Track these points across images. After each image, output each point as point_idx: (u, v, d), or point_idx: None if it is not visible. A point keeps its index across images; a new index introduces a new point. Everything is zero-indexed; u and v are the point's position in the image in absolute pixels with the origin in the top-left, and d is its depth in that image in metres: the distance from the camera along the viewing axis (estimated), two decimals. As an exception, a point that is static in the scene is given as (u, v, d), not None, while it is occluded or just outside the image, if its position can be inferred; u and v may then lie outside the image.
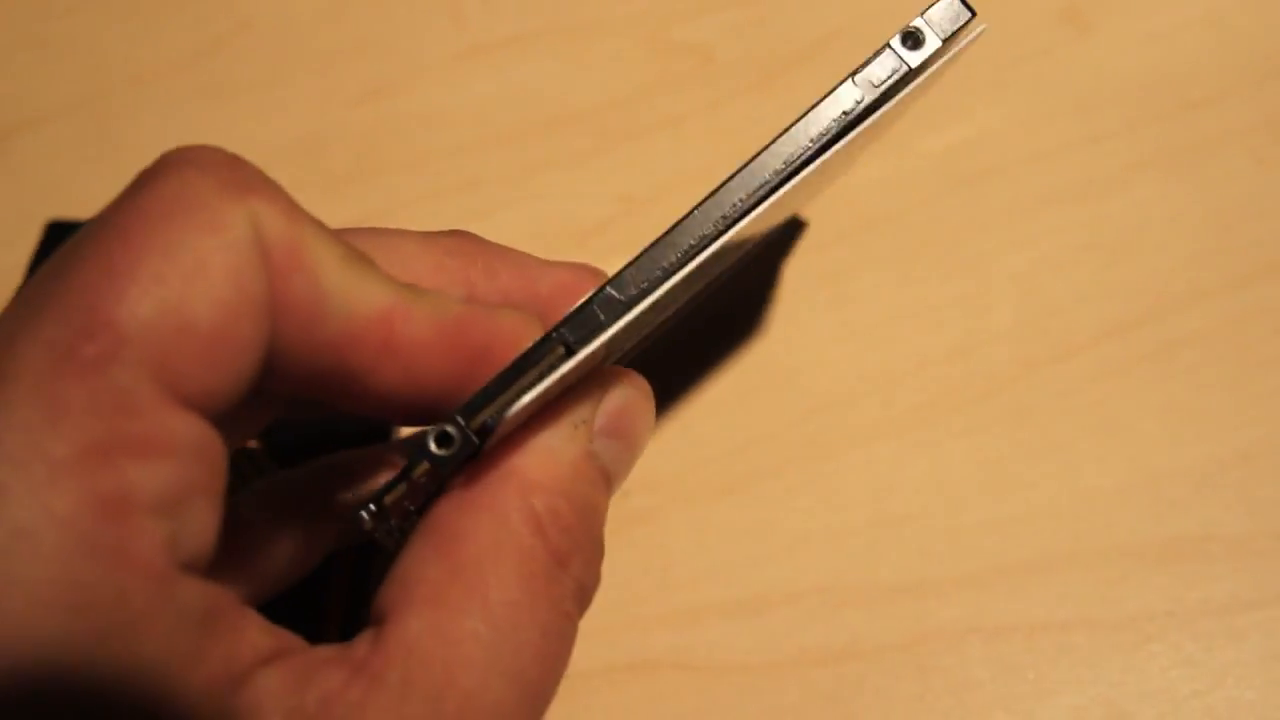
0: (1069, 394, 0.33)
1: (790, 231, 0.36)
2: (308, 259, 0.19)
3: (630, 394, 0.24)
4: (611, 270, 0.22)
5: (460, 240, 0.24)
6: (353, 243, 0.20)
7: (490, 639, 0.20)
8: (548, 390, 0.20)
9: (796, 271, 0.36)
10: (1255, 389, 0.33)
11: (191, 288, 0.17)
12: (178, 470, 0.17)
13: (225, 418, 0.19)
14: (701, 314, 0.35)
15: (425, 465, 0.20)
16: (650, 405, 0.25)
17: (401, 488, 0.21)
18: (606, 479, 0.24)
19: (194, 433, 0.18)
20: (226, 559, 0.21)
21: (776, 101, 0.38)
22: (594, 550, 0.23)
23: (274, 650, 0.19)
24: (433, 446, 0.20)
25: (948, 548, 0.31)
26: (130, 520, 0.17)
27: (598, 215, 0.37)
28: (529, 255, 0.25)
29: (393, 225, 0.38)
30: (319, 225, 0.20)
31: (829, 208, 0.36)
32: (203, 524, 0.18)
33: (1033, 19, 0.39)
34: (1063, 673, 0.30)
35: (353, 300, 0.20)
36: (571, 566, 0.22)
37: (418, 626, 0.20)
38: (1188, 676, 0.30)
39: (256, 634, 0.19)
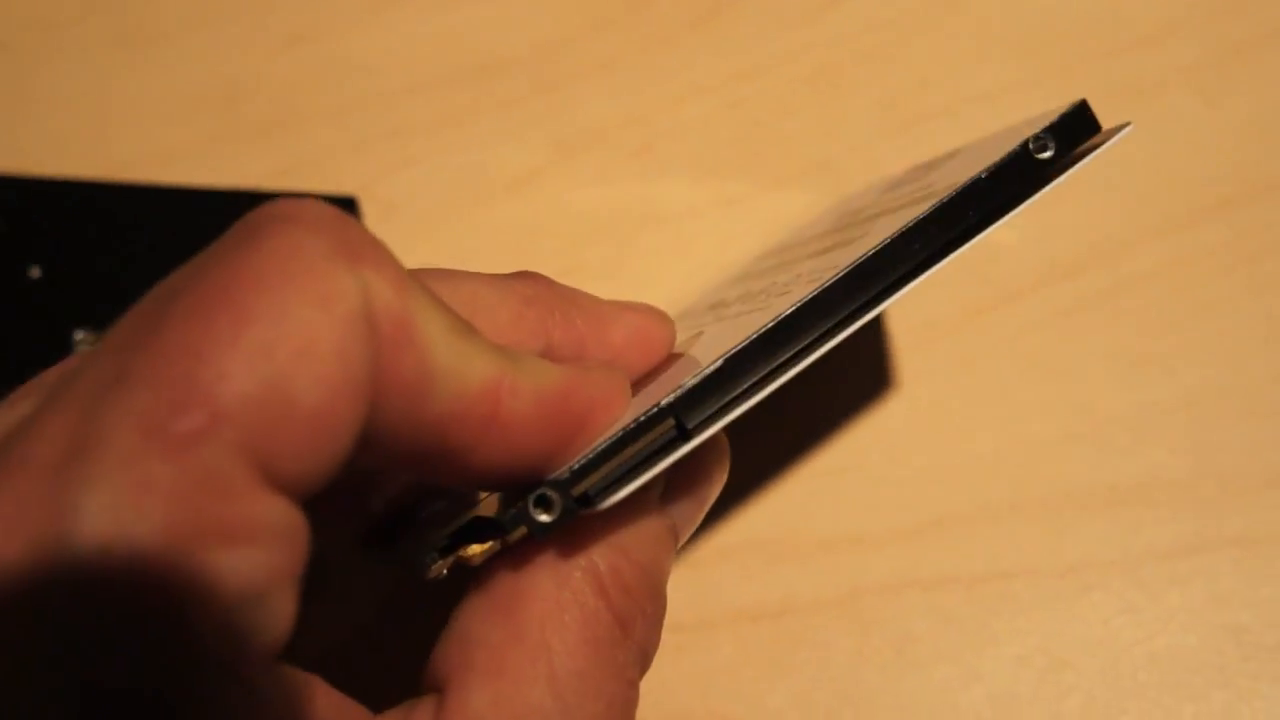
0: (1011, 340, 0.32)
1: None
2: (418, 334, 0.18)
3: (710, 451, 0.23)
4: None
5: (535, 286, 0.23)
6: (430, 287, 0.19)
7: (556, 712, 0.19)
8: (659, 476, 0.19)
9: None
10: (1200, 332, 0.32)
11: (298, 365, 0.16)
12: (268, 557, 0.16)
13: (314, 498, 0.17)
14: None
15: (522, 530, 0.19)
16: (725, 459, 0.24)
17: (494, 546, 0.20)
18: (674, 537, 0.22)
19: (285, 518, 0.16)
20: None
21: (711, 43, 0.37)
22: (657, 612, 0.21)
23: None
24: (533, 511, 0.19)
25: (886, 499, 0.31)
26: (215, 611, 0.15)
27: (529, 163, 0.36)
28: (596, 298, 0.24)
29: (318, 175, 0.37)
30: (428, 294, 0.18)
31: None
32: (284, 610, 0.17)
33: (975, -44, 0.38)
34: (1004, 623, 0.29)
35: (460, 376, 0.18)
36: (635, 630, 0.21)
37: (481, 700, 0.19)
38: (1131, 624, 0.29)
39: (324, 707, 0.18)
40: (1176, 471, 0.31)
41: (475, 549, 0.20)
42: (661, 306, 0.25)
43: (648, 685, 0.28)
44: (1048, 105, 0.35)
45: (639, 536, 0.21)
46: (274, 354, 0.16)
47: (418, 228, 0.36)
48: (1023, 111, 0.35)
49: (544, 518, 0.19)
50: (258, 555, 0.16)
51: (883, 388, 0.32)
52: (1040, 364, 0.32)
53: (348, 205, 0.35)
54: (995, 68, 0.36)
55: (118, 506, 0.15)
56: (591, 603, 0.20)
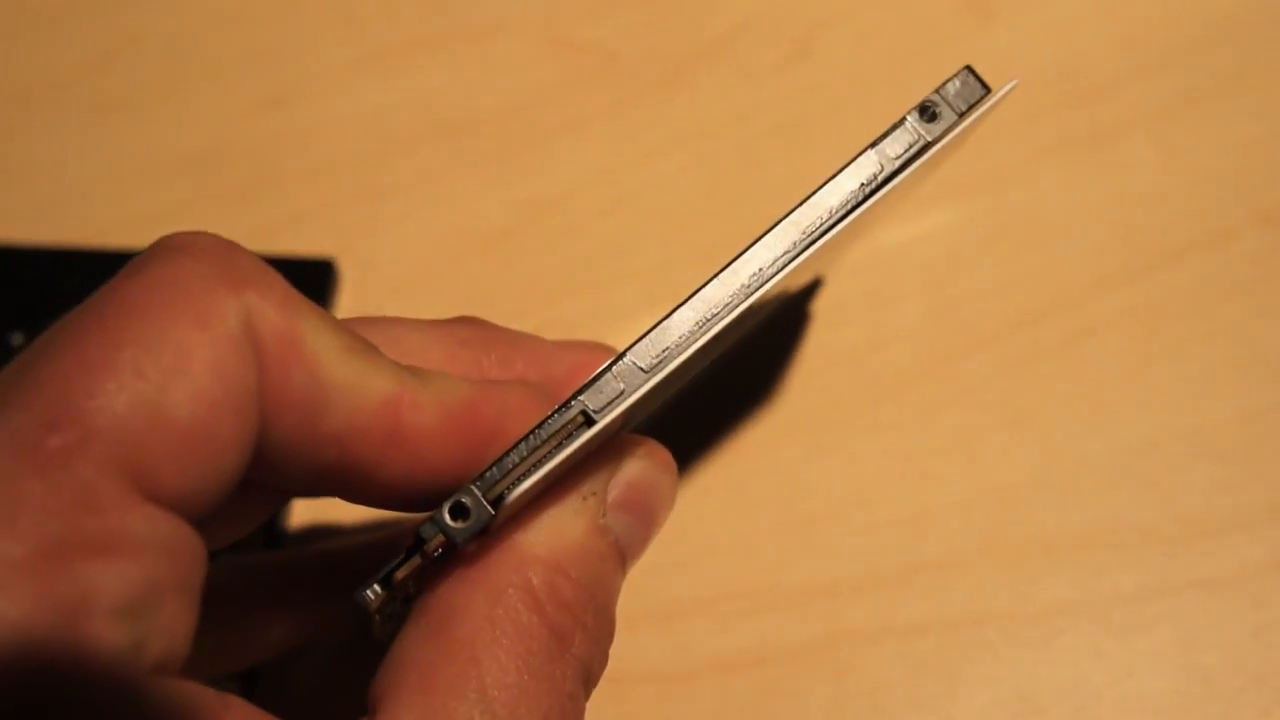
0: (976, 388, 0.33)
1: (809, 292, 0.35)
2: (306, 351, 0.18)
3: (646, 465, 0.23)
4: (619, 345, 0.22)
5: (471, 329, 0.24)
6: (357, 332, 0.20)
7: (473, 701, 0.19)
8: (566, 460, 0.20)
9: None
10: (1160, 376, 0.33)
11: (171, 382, 0.17)
12: (144, 570, 0.16)
13: (213, 512, 0.18)
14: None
15: (439, 539, 0.20)
16: (671, 477, 0.24)
17: (415, 561, 0.20)
18: (619, 554, 0.23)
19: (163, 531, 0.17)
20: (209, 638, 0.19)
21: (680, 99, 0.38)
22: (601, 628, 0.22)
23: None
24: (447, 519, 0.19)
25: (858, 547, 0.31)
26: (89, 623, 0.16)
27: (502, 221, 0.37)
28: (540, 339, 0.24)
29: (296, 237, 0.37)
30: (320, 314, 0.19)
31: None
32: (175, 623, 0.17)
33: (934, 8, 0.38)
34: (976, 669, 0.30)
35: (356, 391, 0.19)
36: (573, 645, 0.21)
37: (408, 717, 0.19)
38: (1100, 667, 0.30)
39: None
40: (1141, 515, 0.31)
41: (401, 571, 0.20)
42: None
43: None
44: (1006, 157, 0.36)
45: (578, 553, 0.21)
46: (146, 372, 0.16)
47: (394, 287, 0.36)
48: (981, 162, 0.36)
49: (456, 524, 0.19)
50: (134, 567, 0.16)
51: (853, 437, 0.33)
52: (1007, 410, 0.33)
53: (325, 266, 0.36)
54: (957, 119, 0.37)
55: None
56: (525, 618, 0.20)
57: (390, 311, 0.35)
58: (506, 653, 0.20)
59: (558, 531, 0.21)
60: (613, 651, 0.30)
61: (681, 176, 0.37)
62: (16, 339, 0.35)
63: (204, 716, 0.17)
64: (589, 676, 0.21)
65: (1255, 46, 0.37)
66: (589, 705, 0.30)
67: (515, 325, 0.25)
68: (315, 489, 0.20)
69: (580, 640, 0.21)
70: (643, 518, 0.23)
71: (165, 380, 0.17)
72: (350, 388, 0.19)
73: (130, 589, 0.16)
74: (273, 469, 0.19)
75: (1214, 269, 0.34)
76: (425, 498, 0.21)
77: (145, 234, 0.37)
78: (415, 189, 0.37)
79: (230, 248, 0.18)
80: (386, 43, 0.39)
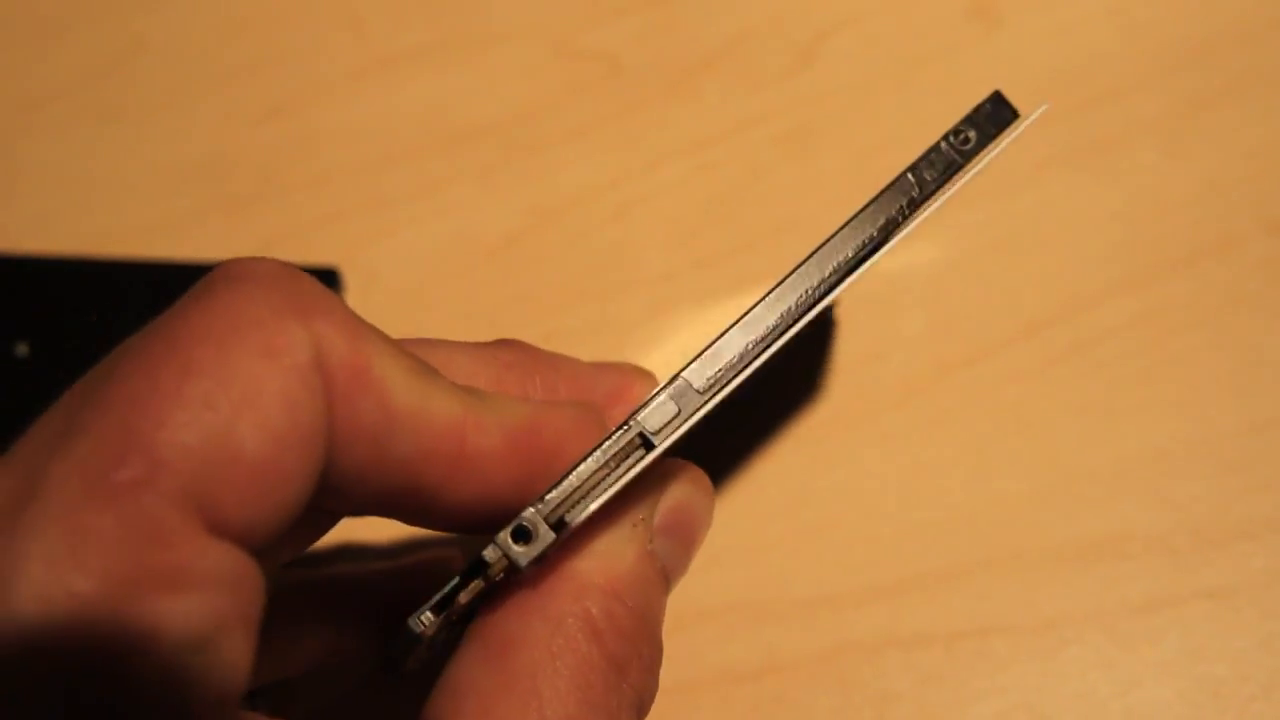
0: (983, 397, 0.33)
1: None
2: (374, 379, 0.18)
3: (690, 490, 0.23)
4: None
5: (515, 352, 0.24)
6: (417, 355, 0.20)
7: None
8: (626, 485, 0.20)
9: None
10: (1167, 385, 0.33)
11: (241, 415, 0.17)
12: (210, 604, 0.16)
13: (275, 542, 0.18)
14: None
15: (501, 561, 0.20)
16: (710, 500, 0.24)
17: (477, 585, 0.20)
18: (665, 579, 0.23)
19: (228, 564, 0.17)
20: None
21: (684, 108, 0.38)
22: (653, 655, 0.22)
23: None
24: (510, 542, 0.19)
25: (864, 558, 0.31)
26: (156, 658, 0.16)
27: (506, 229, 0.37)
28: (578, 361, 0.25)
29: (300, 246, 0.37)
30: (385, 339, 0.19)
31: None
32: (237, 654, 0.17)
33: (940, 15, 0.38)
34: (982, 680, 0.30)
35: (423, 416, 0.19)
36: (630, 674, 0.21)
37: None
38: (1107, 678, 0.30)
39: None
40: (1148, 525, 0.31)
41: (462, 595, 0.20)
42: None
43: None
44: (1013, 164, 0.36)
45: (632, 580, 0.21)
46: (216, 404, 0.16)
47: (400, 296, 0.36)
48: (988, 170, 0.36)
49: (520, 547, 0.19)
50: (201, 601, 0.16)
51: (859, 447, 0.32)
52: (1013, 420, 0.33)
53: (329, 275, 0.36)
54: (963, 126, 0.37)
55: (55, 556, 0.15)
56: (584, 648, 0.20)
57: (401, 320, 0.35)
58: (566, 683, 0.20)
59: (612, 558, 0.21)
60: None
61: (686, 184, 0.37)
62: (21, 349, 0.35)
63: None
64: (642, 705, 0.21)
65: (1262, 53, 0.37)
66: None
67: (520, 334, 0.25)
68: (375, 511, 0.21)
69: (636, 670, 0.21)
70: (685, 542, 0.23)
71: (235, 413, 0.16)
72: (418, 412, 0.19)
73: (199, 622, 0.16)
74: (337, 495, 0.19)
75: (1221, 277, 0.34)
76: (482, 521, 0.21)
77: (149, 243, 0.37)
78: (419, 198, 0.37)
79: (294, 274, 0.18)
80: (391, 51, 0.39)
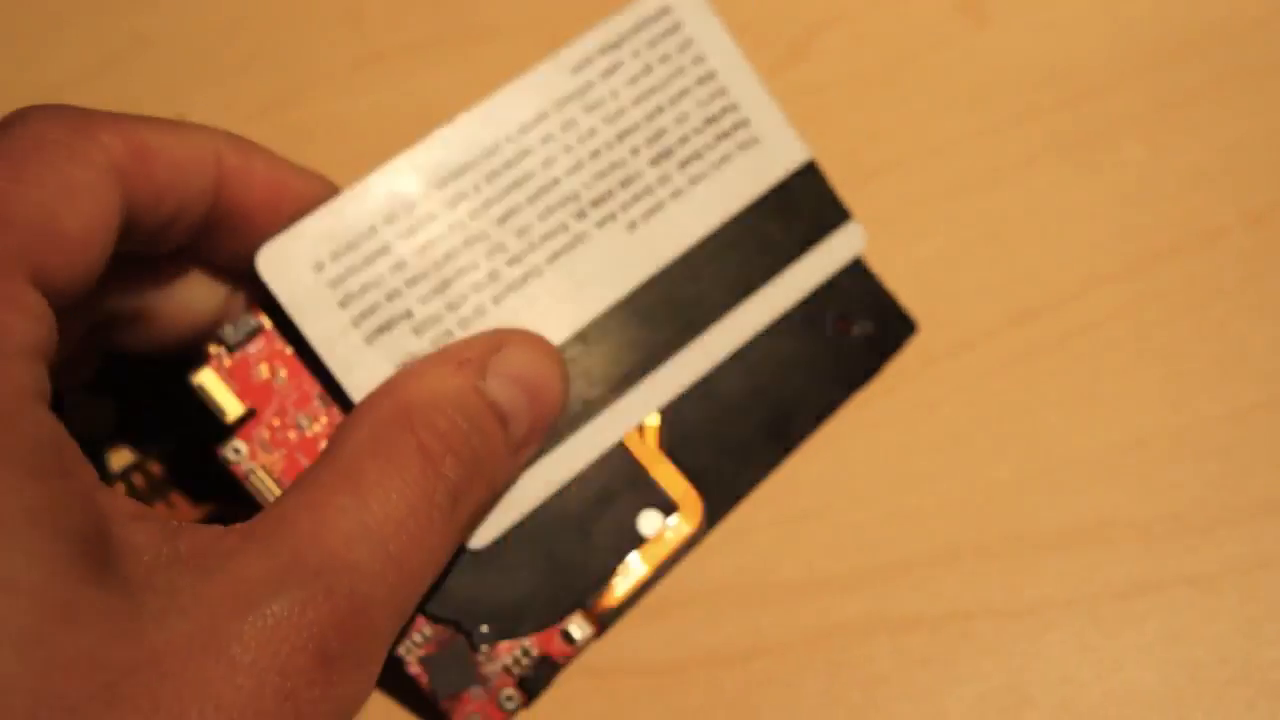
0: (968, 386, 0.34)
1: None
2: (151, 153, 0.24)
3: (526, 351, 0.27)
4: None
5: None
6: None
7: (356, 511, 0.22)
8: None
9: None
10: (1150, 375, 0.34)
11: (60, 201, 0.22)
12: (35, 329, 0.21)
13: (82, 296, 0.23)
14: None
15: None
16: (553, 361, 0.28)
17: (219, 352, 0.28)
18: (499, 416, 0.26)
19: (45, 308, 0.21)
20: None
21: (677, 102, 0.38)
22: (474, 465, 0.24)
23: (140, 511, 0.21)
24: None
25: (850, 543, 0.32)
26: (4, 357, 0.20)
27: (501, 221, 0.37)
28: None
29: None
30: (150, 119, 0.25)
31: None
32: (40, 374, 0.21)
33: (930, 11, 0.39)
34: (967, 663, 0.30)
35: (190, 167, 0.25)
36: (443, 467, 0.24)
37: (291, 503, 0.22)
38: (1089, 661, 0.30)
39: (119, 497, 0.21)
40: (1130, 512, 0.32)
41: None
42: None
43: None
44: (1000, 158, 0.37)
45: (453, 399, 0.25)
46: (43, 193, 0.22)
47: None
48: (975, 163, 0.37)
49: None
50: (30, 324, 0.21)
51: (845, 434, 0.33)
52: (997, 408, 0.33)
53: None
54: (949, 120, 0.37)
55: None
56: (398, 435, 0.24)
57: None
58: (380, 462, 0.23)
59: (433, 380, 0.25)
60: (602, 644, 0.31)
61: (678, 177, 0.37)
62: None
63: (80, 459, 0.21)
64: (458, 500, 0.24)
65: (1245, 50, 0.37)
66: (582, 699, 0.30)
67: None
68: (165, 246, 0.27)
69: (450, 465, 0.24)
70: (526, 389, 0.26)
71: (55, 200, 0.22)
72: (183, 164, 0.25)
73: (27, 339, 0.21)
74: (138, 242, 0.25)
75: (1204, 268, 0.35)
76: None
77: (149, 234, 0.37)
78: (415, 190, 0.38)
79: (73, 109, 0.24)
80: (389, 45, 0.40)
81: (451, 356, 0.26)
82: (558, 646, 0.28)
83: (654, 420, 0.30)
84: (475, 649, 0.28)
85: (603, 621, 0.29)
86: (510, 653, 0.28)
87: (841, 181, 0.34)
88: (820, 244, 0.32)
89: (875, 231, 0.35)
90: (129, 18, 0.41)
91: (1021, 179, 0.36)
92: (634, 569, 0.29)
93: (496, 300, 0.28)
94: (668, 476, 0.30)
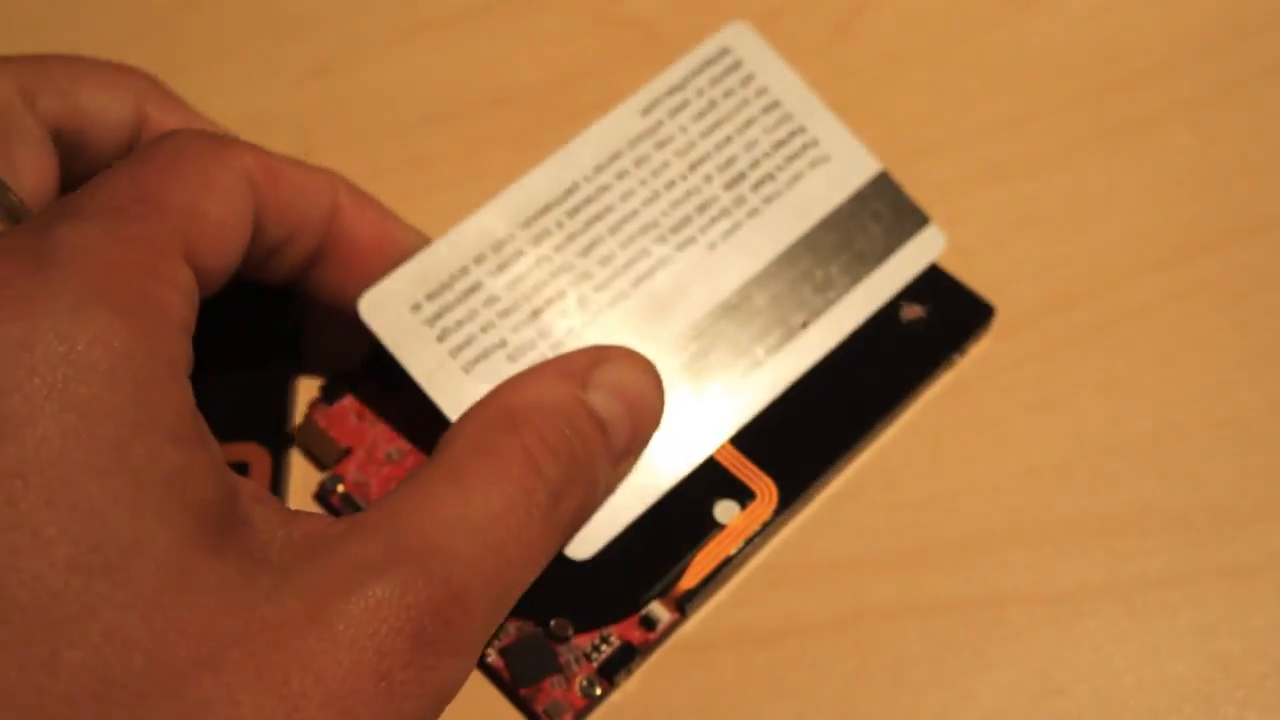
0: (1007, 370, 0.33)
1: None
2: (280, 176, 0.27)
3: (625, 366, 0.28)
4: None
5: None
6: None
7: (457, 504, 0.23)
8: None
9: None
10: (1192, 364, 0.33)
11: (206, 195, 0.24)
12: (186, 305, 0.22)
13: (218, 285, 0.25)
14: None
15: None
16: (652, 376, 0.29)
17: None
18: (599, 424, 0.27)
19: (194, 286, 0.23)
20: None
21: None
22: (574, 469, 0.25)
23: (261, 493, 0.23)
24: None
25: (885, 526, 0.32)
26: (164, 317, 0.22)
27: (541, 193, 0.37)
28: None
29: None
30: (278, 156, 0.27)
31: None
32: (186, 347, 0.22)
33: (979, -8, 0.38)
34: (998, 649, 0.30)
35: (314, 195, 0.28)
36: (544, 467, 0.24)
37: (397, 496, 0.23)
38: (1122, 651, 0.30)
39: (243, 478, 0.22)
40: (1169, 502, 0.32)
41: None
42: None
43: (649, 701, 0.29)
44: (1046, 142, 0.36)
45: (555, 405, 0.26)
46: (191, 189, 0.24)
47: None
48: (1020, 147, 0.36)
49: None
50: (182, 298, 0.22)
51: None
52: (1036, 395, 0.33)
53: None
54: (995, 102, 0.37)
55: (97, 232, 0.22)
56: (502, 438, 0.25)
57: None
58: (483, 463, 0.24)
59: (537, 391, 0.26)
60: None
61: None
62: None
63: (203, 422, 0.22)
64: (558, 503, 0.25)
65: (1301, 37, 0.37)
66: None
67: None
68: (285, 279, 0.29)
69: (552, 469, 0.25)
70: (625, 402, 0.27)
71: (203, 196, 0.24)
72: (307, 191, 0.28)
73: (181, 306, 0.22)
74: (258, 258, 0.27)
75: (1251, 258, 0.34)
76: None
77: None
78: (456, 159, 0.38)
79: (211, 132, 0.26)
80: (432, 14, 0.40)
81: (555, 368, 0.27)
82: (638, 633, 0.29)
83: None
84: (554, 639, 0.29)
85: (681, 605, 0.29)
86: (590, 640, 0.29)
87: (888, 161, 0.34)
88: (902, 248, 0.33)
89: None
90: (175, -20, 0.41)
91: (1067, 164, 0.36)
92: (711, 554, 0.30)
93: (586, 324, 0.30)
94: (743, 468, 0.31)
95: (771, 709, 0.29)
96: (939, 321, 0.33)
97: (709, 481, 0.31)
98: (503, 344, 0.29)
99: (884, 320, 0.33)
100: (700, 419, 0.31)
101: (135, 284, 0.21)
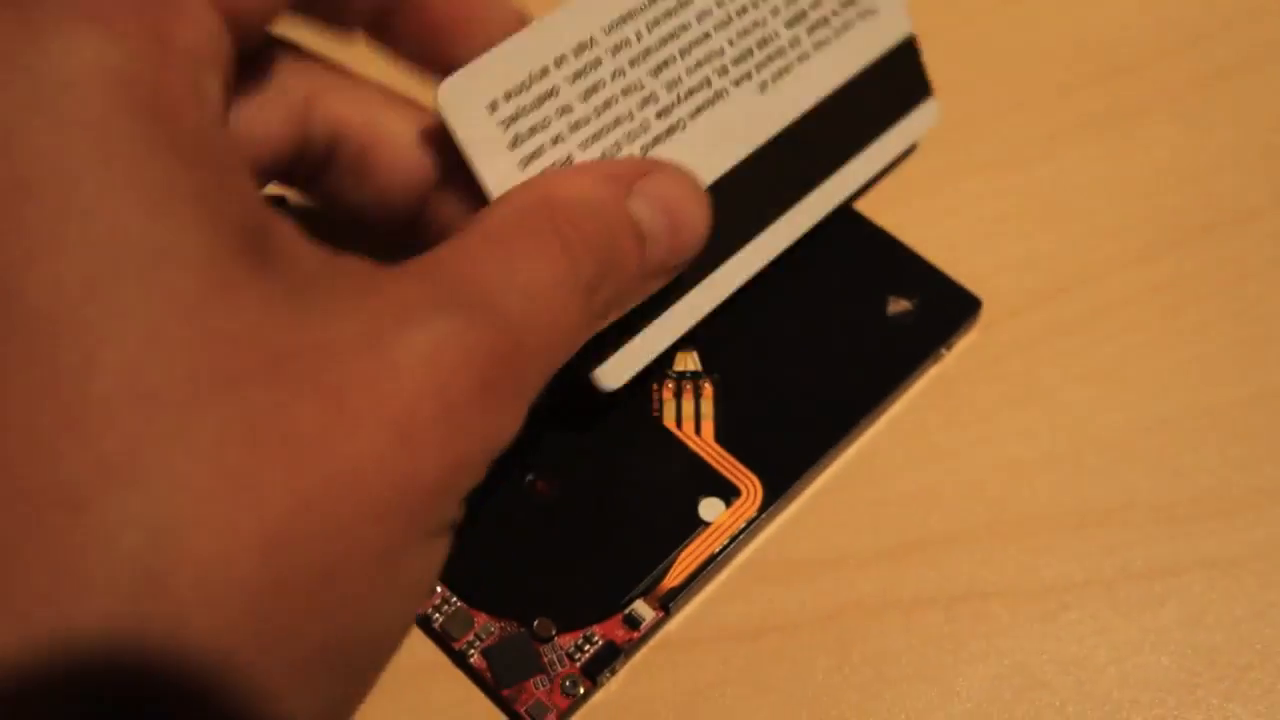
0: (990, 364, 0.33)
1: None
2: None
3: (673, 180, 0.26)
4: None
5: None
6: None
7: (504, 269, 0.22)
8: None
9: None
10: (1177, 354, 0.33)
11: None
12: (202, 38, 0.20)
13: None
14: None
15: None
16: (700, 196, 0.27)
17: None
18: (638, 234, 0.25)
19: (218, 26, 0.21)
20: None
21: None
22: (607, 269, 0.24)
23: (301, 232, 0.21)
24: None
25: (867, 521, 0.31)
26: (170, 45, 0.19)
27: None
28: None
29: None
30: None
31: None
32: (220, 87, 0.21)
33: (962, -15, 0.38)
34: (981, 643, 0.30)
35: None
36: (581, 262, 0.23)
37: (438, 255, 0.22)
38: (1105, 643, 0.30)
39: (283, 215, 0.21)
40: (1151, 494, 0.31)
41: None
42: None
43: (632, 700, 0.29)
44: (1030, 134, 0.36)
45: (594, 203, 0.24)
46: None
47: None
48: (1003, 139, 0.36)
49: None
50: (193, 30, 0.20)
51: (865, 412, 0.33)
52: (1019, 387, 0.33)
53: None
54: (979, 95, 0.37)
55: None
56: (537, 217, 0.23)
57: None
58: (518, 230, 0.23)
59: (579, 186, 0.24)
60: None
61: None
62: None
63: (235, 155, 0.20)
64: (592, 290, 0.23)
65: (1284, 26, 0.37)
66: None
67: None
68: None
69: (587, 261, 0.23)
70: (668, 216, 0.26)
71: None
72: None
73: (202, 46, 0.20)
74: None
75: (1235, 248, 0.34)
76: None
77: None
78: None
79: None
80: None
81: (600, 168, 0.26)
82: (622, 632, 0.29)
83: (711, 412, 0.32)
84: (538, 639, 0.29)
85: (665, 603, 0.29)
86: (574, 640, 0.29)
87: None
88: (903, 119, 0.33)
89: (894, 208, 0.35)
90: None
91: (1051, 156, 0.36)
92: (696, 552, 0.30)
93: (645, 151, 0.28)
94: (727, 465, 0.31)
95: (755, 705, 0.29)
96: (925, 315, 0.33)
97: (694, 479, 0.31)
98: (568, 161, 0.27)
99: (870, 315, 0.33)
100: (728, 258, 0.30)
101: (134, 6, 0.19)
